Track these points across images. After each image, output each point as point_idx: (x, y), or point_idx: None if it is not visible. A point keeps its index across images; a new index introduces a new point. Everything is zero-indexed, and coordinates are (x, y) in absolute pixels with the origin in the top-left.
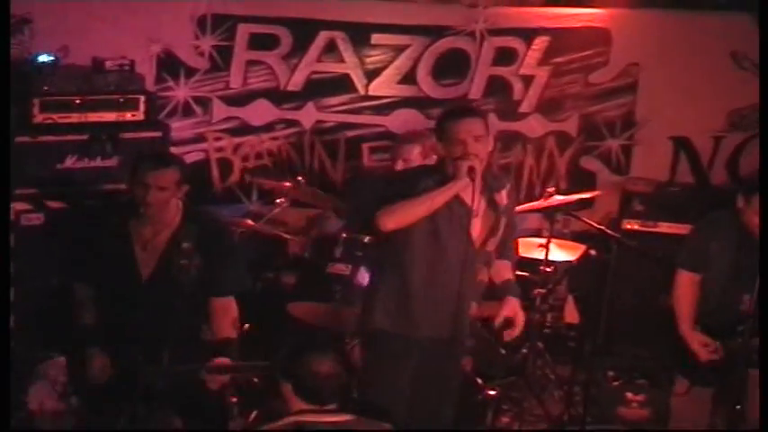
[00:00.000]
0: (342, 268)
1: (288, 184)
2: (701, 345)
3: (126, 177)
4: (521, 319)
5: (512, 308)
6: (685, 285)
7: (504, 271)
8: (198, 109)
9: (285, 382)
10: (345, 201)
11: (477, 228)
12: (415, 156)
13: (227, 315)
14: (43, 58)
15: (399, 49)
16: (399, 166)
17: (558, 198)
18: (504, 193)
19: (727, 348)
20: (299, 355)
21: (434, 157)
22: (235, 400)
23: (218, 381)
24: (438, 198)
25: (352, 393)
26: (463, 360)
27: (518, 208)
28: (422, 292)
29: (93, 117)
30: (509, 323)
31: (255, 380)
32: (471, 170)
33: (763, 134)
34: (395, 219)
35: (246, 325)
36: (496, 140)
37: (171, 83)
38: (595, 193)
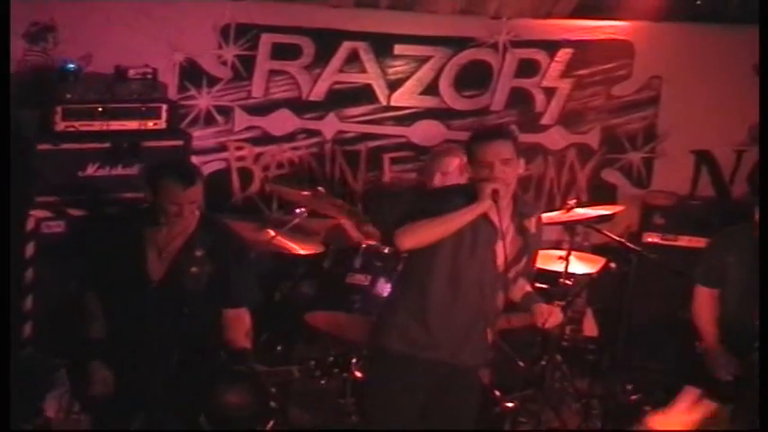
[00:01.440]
0: (361, 279)
1: (308, 193)
2: (721, 363)
3: (150, 193)
4: (555, 310)
5: (543, 310)
6: (703, 301)
7: (523, 286)
8: (220, 118)
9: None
10: (370, 212)
11: (503, 251)
12: (453, 169)
13: (241, 326)
14: (66, 65)
15: (422, 60)
16: (437, 179)
17: (580, 212)
18: (533, 220)
19: (745, 364)
20: (211, 386)
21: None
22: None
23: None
24: (459, 219)
25: (351, 416)
26: (482, 378)
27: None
28: (441, 312)
29: (115, 125)
30: (549, 320)
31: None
32: (495, 193)
33: (763, 144)
34: (413, 238)
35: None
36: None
37: (193, 92)
38: (617, 208)
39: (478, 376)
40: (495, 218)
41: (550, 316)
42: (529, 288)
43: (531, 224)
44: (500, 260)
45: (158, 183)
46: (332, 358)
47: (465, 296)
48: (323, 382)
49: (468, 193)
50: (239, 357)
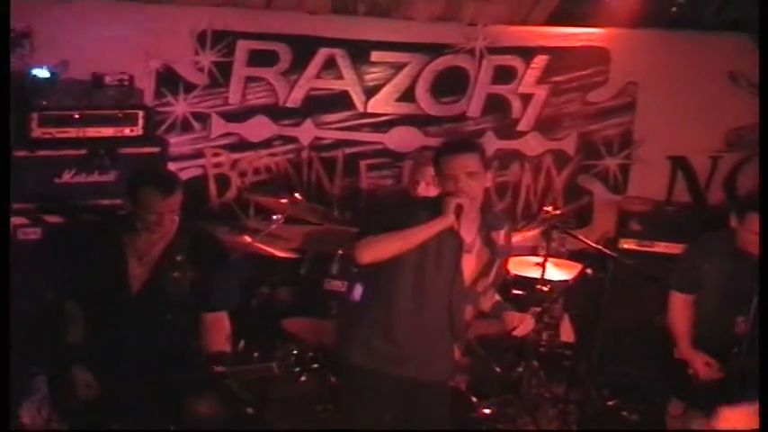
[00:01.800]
0: (338, 285)
1: (285, 200)
2: (702, 363)
3: (129, 202)
4: (527, 318)
5: (514, 318)
6: (679, 306)
7: (492, 296)
8: (196, 124)
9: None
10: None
11: (470, 265)
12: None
13: (220, 329)
14: (42, 72)
15: (398, 67)
16: (422, 189)
17: (552, 211)
18: (502, 233)
19: (723, 370)
20: (180, 397)
21: None
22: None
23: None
24: (419, 235)
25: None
26: (458, 384)
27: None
28: (406, 326)
29: (92, 132)
30: (520, 328)
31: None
32: (459, 208)
33: (763, 154)
34: (371, 252)
35: (242, 342)
36: (494, 158)
37: (170, 98)
38: (588, 200)
39: (447, 390)
40: (462, 231)
41: (521, 323)
42: (498, 297)
43: (500, 236)
44: (466, 273)
45: (137, 192)
46: (311, 354)
47: (430, 310)
48: (303, 378)
49: (433, 207)
50: (218, 360)
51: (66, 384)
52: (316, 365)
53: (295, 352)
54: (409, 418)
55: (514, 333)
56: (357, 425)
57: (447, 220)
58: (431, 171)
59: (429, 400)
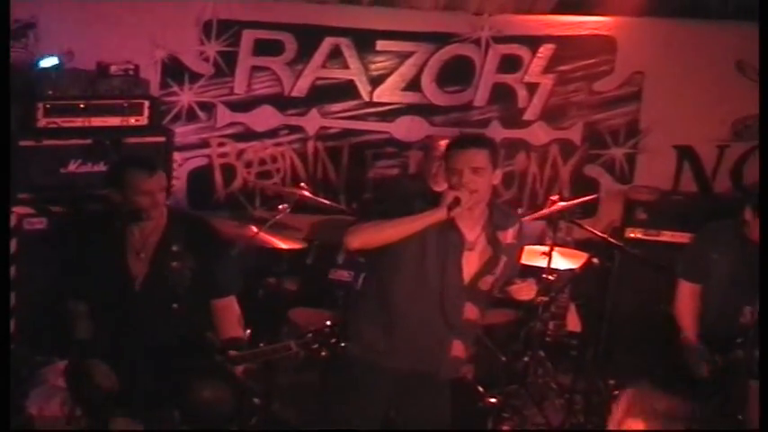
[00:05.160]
0: (344, 275)
1: (291, 190)
2: (700, 359)
3: (117, 192)
4: (529, 282)
5: (517, 287)
6: (686, 296)
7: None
8: (202, 114)
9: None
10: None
11: (471, 262)
12: None
13: (231, 314)
14: (47, 62)
15: (404, 56)
16: (436, 168)
17: (561, 203)
18: (510, 232)
19: (727, 360)
20: (183, 383)
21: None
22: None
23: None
24: (411, 225)
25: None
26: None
27: (524, 218)
28: (402, 319)
29: (97, 121)
30: (523, 292)
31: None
32: (455, 201)
33: (764, 142)
34: (360, 238)
35: (248, 330)
36: (500, 148)
37: (175, 88)
38: (594, 196)
39: (445, 385)
40: (465, 228)
41: (522, 288)
42: None
43: (507, 235)
44: (467, 271)
45: (122, 177)
46: (328, 329)
47: (425, 305)
48: (323, 353)
49: (433, 200)
50: (232, 345)
51: (85, 376)
52: (334, 340)
53: (311, 333)
54: (404, 412)
55: (518, 297)
56: (348, 414)
57: (440, 214)
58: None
59: (425, 394)
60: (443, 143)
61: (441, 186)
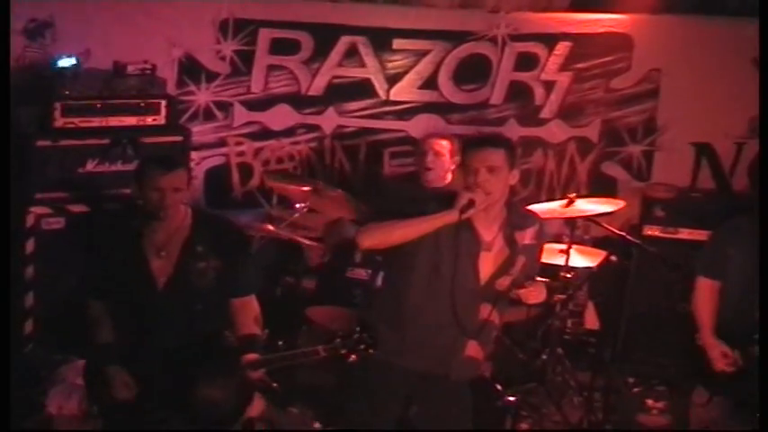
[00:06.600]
0: (361, 273)
1: (308, 188)
2: (720, 354)
3: (134, 186)
4: (538, 285)
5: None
6: (705, 292)
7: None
8: (219, 113)
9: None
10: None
11: (488, 263)
12: (444, 150)
13: (249, 313)
14: (64, 61)
15: (421, 54)
16: (430, 160)
17: (581, 208)
18: (528, 232)
19: (745, 357)
20: (190, 384)
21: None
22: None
23: (255, 376)
24: (423, 226)
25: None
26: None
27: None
28: (416, 319)
29: (114, 121)
30: (532, 295)
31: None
32: (470, 203)
33: (763, 138)
34: (372, 238)
35: (266, 330)
36: (517, 146)
37: (192, 87)
38: (618, 205)
39: (459, 386)
40: (482, 228)
41: (530, 292)
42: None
43: (526, 236)
44: (483, 272)
45: (141, 175)
46: (357, 335)
47: (442, 305)
48: (352, 357)
49: (445, 200)
50: (249, 343)
51: (104, 383)
52: (363, 346)
53: (339, 338)
54: (423, 412)
55: (526, 300)
56: (363, 414)
57: (452, 216)
58: (438, 141)
59: (443, 395)
60: (433, 140)
61: (431, 183)
